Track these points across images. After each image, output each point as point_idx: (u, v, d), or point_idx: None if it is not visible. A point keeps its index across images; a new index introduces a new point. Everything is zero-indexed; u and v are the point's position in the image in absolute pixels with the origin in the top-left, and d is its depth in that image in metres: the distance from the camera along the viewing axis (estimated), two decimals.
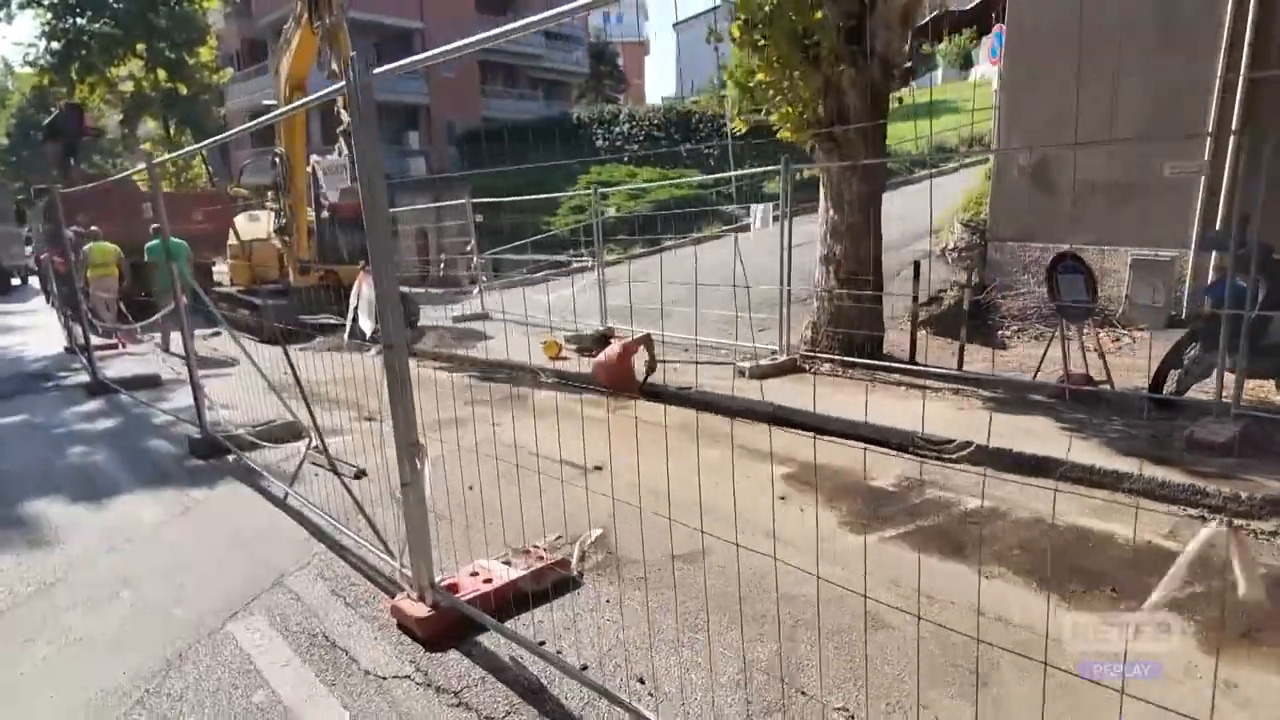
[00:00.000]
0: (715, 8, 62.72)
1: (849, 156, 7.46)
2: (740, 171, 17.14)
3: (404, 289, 14.98)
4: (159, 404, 7.34)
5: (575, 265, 17.17)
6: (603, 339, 7.76)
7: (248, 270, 13.79)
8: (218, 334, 12.19)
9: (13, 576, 3.78)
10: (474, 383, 7.94)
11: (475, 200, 13.50)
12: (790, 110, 7.62)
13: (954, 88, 28.78)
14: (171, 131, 28.33)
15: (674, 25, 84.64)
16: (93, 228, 12.60)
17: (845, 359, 7.52)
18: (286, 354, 5.42)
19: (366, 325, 5.04)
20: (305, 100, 4.87)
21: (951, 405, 6.11)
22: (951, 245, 12.01)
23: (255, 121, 4.30)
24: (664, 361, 7.61)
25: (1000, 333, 10.08)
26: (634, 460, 3.84)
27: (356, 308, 5.50)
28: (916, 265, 7.56)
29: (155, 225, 12.37)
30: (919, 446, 5.28)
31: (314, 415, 4.17)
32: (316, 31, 10.17)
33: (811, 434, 4.32)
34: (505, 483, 3.37)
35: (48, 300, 15.25)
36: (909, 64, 7.61)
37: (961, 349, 7.27)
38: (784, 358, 7.74)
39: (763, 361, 7.66)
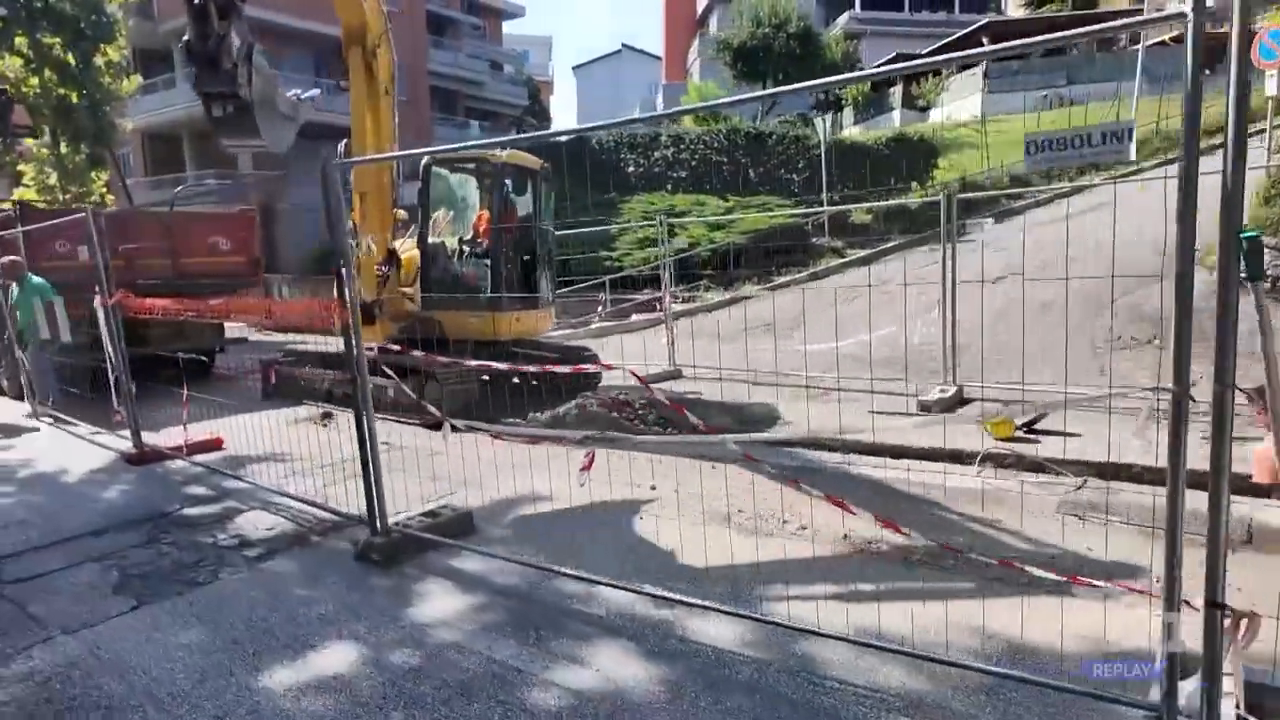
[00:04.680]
0: (616, 52, 62.88)
1: None
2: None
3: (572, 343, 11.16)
4: (554, 583, 3.61)
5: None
6: None
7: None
8: (329, 416, 8.17)
9: None
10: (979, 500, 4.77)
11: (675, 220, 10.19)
12: None
13: None
14: (63, 148, 22.32)
15: (573, 68, 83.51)
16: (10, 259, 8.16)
17: None
18: None
19: None
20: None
21: None
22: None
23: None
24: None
25: None
26: None
27: None
28: None
29: (11, 258, 8.22)
30: None
31: None
32: None
33: None
34: None
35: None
36: None
37: None
38: None
39: None
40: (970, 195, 16.30)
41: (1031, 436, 6.11)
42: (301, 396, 8.94)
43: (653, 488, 5.16)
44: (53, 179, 22.45)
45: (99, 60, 21.80)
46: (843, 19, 46.90)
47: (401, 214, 9.60)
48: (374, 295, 8.69)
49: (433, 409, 4.68)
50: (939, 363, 8.28)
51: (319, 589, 3.78)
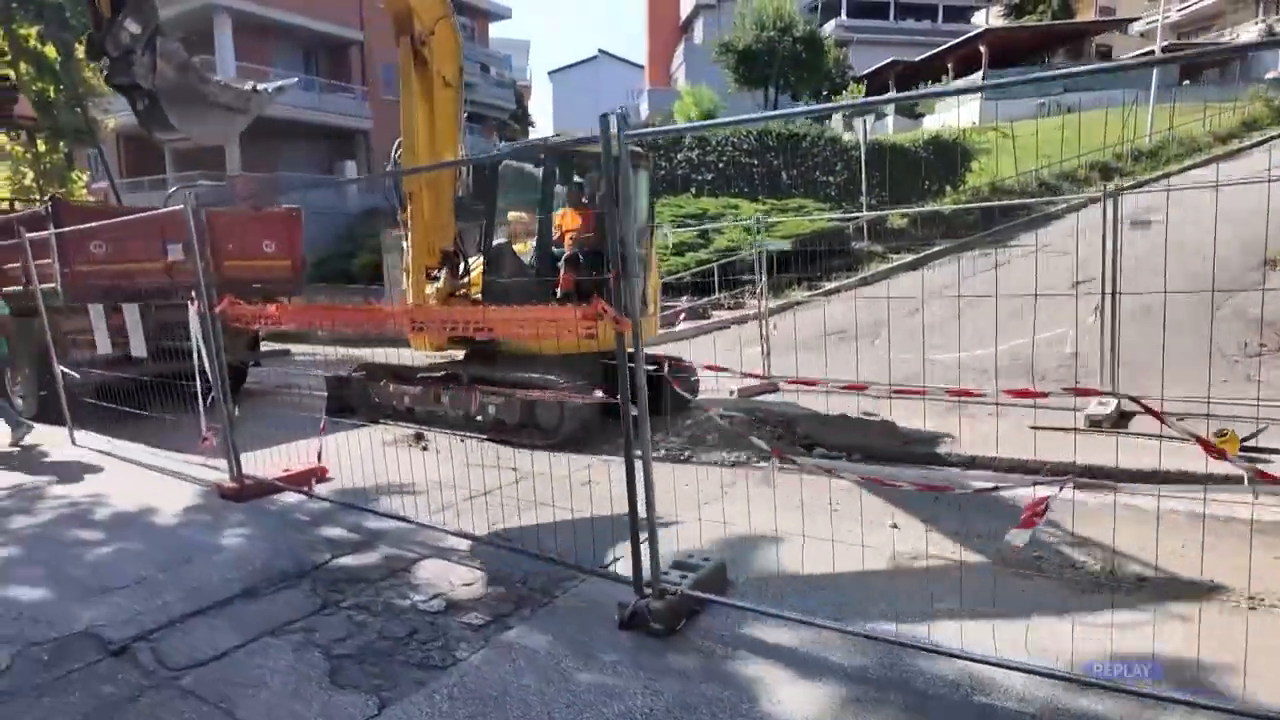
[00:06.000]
0: (594, 58, 62.54)
1: None
2: None
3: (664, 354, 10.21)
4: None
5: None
6: None
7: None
8: (422, 437, 7.34)
9: None
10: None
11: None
12: None
13: None
14: (42, 145, 20.81)
15: (549, 74, 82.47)
16: None
17: None
18: None
19: None
20: None
21: None
22: None
23: None
24: None
25: None
26: None
27: None
28: None
29: None
30: None
31: None
32: None
33: None
34: None
35: None
36: None
37: None
38: None
39: None
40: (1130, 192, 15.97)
41: (1261, 454, 5.54)
42: (379, 415, 8.04)
43: (894, 526, 4.42)
44: (29, 178, 20.89)
45: (81, 53, 20.36)
46: (829, 26, 46.99)
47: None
48: (420, 300, 7.81)
49: (758, 442, 3.84)
50: (1069, 373, 7.75)
51: (606, 673, 2.96)
